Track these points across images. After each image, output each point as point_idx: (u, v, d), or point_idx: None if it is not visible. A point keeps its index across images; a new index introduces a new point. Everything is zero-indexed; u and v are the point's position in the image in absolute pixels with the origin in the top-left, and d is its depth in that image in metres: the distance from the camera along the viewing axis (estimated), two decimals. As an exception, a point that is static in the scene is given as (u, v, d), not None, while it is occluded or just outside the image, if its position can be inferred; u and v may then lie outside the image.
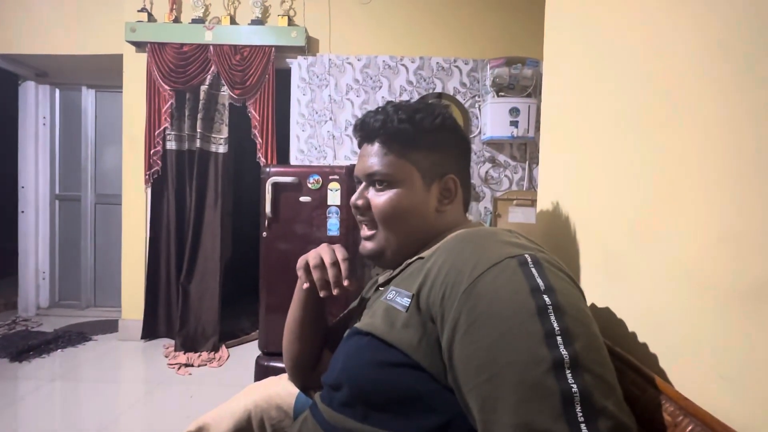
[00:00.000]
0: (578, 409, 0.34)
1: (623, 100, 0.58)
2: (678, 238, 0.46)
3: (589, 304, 0.55)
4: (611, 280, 0.60)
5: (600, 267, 0.63)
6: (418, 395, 0.46)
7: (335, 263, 0.59)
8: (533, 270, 0.42)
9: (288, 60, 2.53)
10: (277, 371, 1.88)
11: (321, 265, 0.60)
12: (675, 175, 0.47)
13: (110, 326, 2.72)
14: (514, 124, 2.31)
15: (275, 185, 1.94)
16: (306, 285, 0.62)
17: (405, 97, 2.48)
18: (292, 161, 2.53)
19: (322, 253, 0.61)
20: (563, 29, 0.81)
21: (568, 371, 0.35)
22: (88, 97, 3.03)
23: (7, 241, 3.12)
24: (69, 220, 3.08)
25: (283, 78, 2.55)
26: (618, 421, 0.34)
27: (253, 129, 2.46)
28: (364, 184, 0.63)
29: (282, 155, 2.55)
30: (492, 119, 2.34)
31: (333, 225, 1.93)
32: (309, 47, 2.52)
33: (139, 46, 2.51)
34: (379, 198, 0.60)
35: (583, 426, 0.33)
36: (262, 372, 1.93)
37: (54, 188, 3.07)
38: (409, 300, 0.49)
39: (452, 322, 0.42)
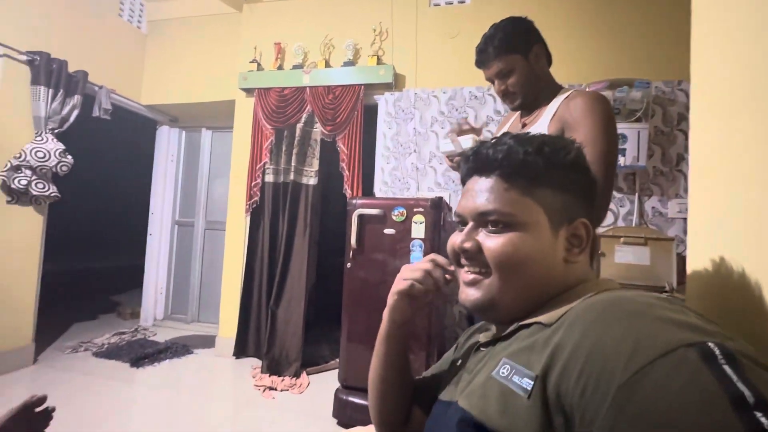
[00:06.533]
0: None
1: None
2: None
3: None
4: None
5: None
6: None
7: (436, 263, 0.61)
8: (726, 368, 0.30)
9: (375, 96, 2.63)
10: (356, 407, 1.84)
11: (427, 269, 0.60)
12: None
13: (209, 341, 2.98)
14: (621, 152, 2.06)
15: (361, 217, 1.97)
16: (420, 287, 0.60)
17: (492, 127, 2.38)
18: (376, 192, 2.58)
19: (418, 265, 0.62)
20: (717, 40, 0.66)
21: None
22: (206, 137, 3.52)
23: (138, 258, 3.68)
24: (183, 243, 3.54)
25: (370, 113, 2.66)
26: None
27: (341, 162, 2.57)
28: (471, 224, 0.52)
29: (367, 186, 2.62)
30: (593, 147, 2.11)
31: (416, 258, 1.88)
32: (396, 83, 2.60)
33: (248, 91, 2.85)
34: (494, 241, 0.49)
35: None
36: (340, 406, 1.90)
37: (174, 215, 3.57)
38: (531, 383, 0.39)
39: (604, 430, 0.32)
